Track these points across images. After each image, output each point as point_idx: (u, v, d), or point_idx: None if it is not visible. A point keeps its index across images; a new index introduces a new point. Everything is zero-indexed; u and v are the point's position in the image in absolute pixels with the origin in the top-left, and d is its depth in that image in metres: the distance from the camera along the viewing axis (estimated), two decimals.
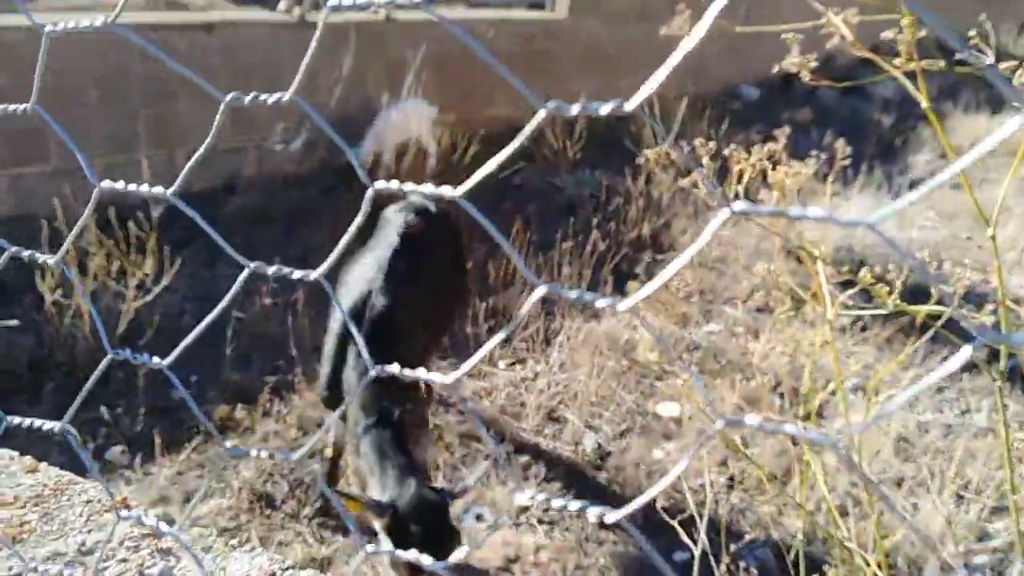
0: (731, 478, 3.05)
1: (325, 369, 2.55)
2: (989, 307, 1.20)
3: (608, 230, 4.96)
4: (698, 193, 1.23)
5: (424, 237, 2.83)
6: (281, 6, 5.35)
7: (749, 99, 8.78)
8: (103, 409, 3.10)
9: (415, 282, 2.65)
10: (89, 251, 3.55)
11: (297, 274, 0.65)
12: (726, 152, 1.32)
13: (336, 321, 2.56)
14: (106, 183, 0.70)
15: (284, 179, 5.20)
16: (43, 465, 1.33)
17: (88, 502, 1.25)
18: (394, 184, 0.55)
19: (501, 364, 3.70)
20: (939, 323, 1.35)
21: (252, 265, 0.66)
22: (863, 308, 1.36)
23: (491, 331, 3.89)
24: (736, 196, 1.48)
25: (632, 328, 3.81)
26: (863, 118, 8.01)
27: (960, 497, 2.92)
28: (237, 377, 3.41)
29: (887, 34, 1.14)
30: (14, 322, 3.15)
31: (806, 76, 1.22)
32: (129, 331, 3.42)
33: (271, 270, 0.66)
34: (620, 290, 4.19)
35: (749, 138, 6.75)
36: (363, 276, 2.60)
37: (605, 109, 0.45)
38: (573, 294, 0.48)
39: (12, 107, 0.71)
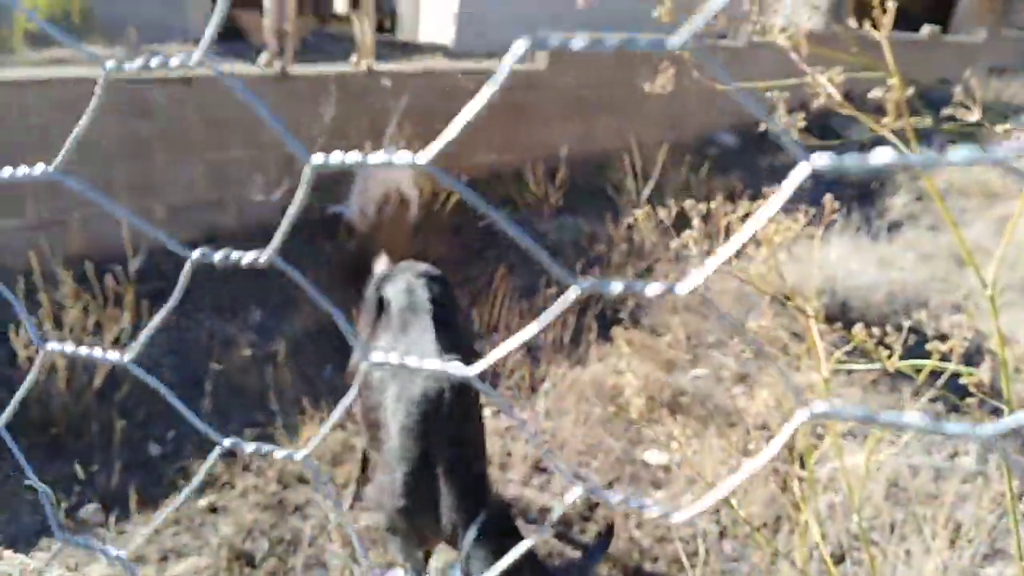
0: (722, 527, 2.99)
1: (397, 475, 2.16)
2: (985, 364, 1.18)
3: (591, 275, 4.96)
4: (690, 253, 1.22)
5: (445, 310, 2.67)
6: (261, 60, 5.38)
7: (726, 146, 8.90)
8: (77, 465, 3.01)
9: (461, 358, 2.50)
10: (64, 305, 3.49)
11: (249, 257, 0.62)
12: (712, 205, 1.31)
13: (400, 415, 2.21)
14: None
15: (265, 230, 5.16)
16: (8, 552, 1.27)
17: None
18: (335, 157, 0.51)
19: (487, 412, 3.65)
20: (939, 379, 1.33)
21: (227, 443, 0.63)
22: (855, 363, 1.34)
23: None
24: (708, 250, 1.48)
25: (617, 374, 3.77)
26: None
27: (952, 542, 2.88)
28: (216, 431, 3.33)
29: (875, 93, 1.14)
30: (52, 347, 3.06)
31: (794, 135, 1.22)
32: (105, 385, 3.34)
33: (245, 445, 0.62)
34: (604, 336, 4.17)
35: (729, 183, 6.83)
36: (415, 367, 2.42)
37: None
38: (617, 287, 0.44)
39: (28, 169, 0.68)
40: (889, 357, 1.22)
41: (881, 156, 0.36)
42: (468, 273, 4.97)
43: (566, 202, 6.13)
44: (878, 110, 1.21)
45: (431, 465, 2.13)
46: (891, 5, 1.16)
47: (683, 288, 0.41)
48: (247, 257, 0.60)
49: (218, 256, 0.60)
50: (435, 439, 2.14)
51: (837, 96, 1.15)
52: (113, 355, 0.63)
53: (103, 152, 4.60)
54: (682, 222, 1.69)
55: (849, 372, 3.99)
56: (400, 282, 2.72)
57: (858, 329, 1.21)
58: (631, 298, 4.80)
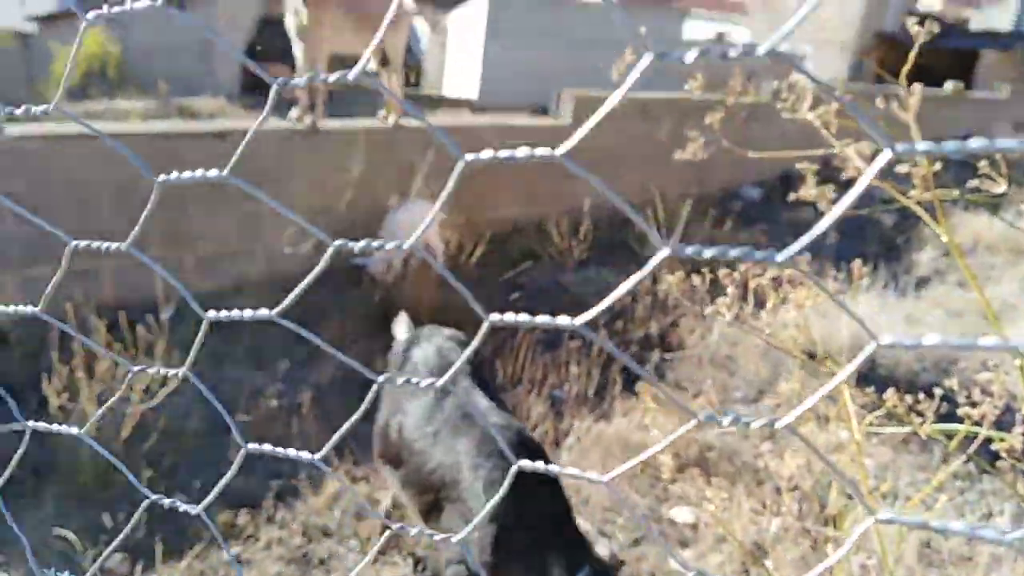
0: None
1: (487, 531, 2.08)
2: (1017, 429, 1.18)
3: (615, 329, 4.96)
4: (721, 317, 1.23)
5: (481, 372, 2.66)
6: (292, 114, 5.51)
7: (750, 199, 8.93)
8: (104, 515, 3.02)
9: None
10: (97, 354, 3.54)
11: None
12: (742, 269, 1.33)
13: (483, 470, 2.18)
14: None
15: (293, 281, 5.23)
16: None
17: None
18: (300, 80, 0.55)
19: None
20: (972, 445, 1.32)
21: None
22: (887, 427, 1.33)
23: None
24: (735, 311, 1.48)
25: (643, 429, 3.75)
26: (863, 218, 8.13)
27: None
28: (241, 481, 3.34)
29: (902, 168, 1.16)
30: (19, 425, 3.10)
31: (824, 206, 1.24)
32: (132, 435, 3.37)
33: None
34: (629, 390, 4.15)
35: (753, 237, 6.84)
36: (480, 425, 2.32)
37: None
38: (710, 250, 0.45)
39: (106, 244, 0.71)
40: (922, 424, 1.21)
41: (976, 142, 0.38)
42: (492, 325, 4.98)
43: (589, 255, 6.16)
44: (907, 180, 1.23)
45: (524, 519, 2.08)
46: (911, 62, 1.18)
47: (782, 256, 0.42)
48: (255, 314, 0.64)
49: (227, 313, 0.65)
50: (527, 493, 2.10)
51: (865, 168, 1.17)
52: (64, 427, 0.65)
53: (138, 203, 4.71)
54: (707, 278, 1.70)
55: (859, 443, 3.93)
56: (428, 347, 2.72)
57: (890, 395, 1.21)
58: (656, 352, 4.79)
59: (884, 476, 3.53)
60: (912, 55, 1.13)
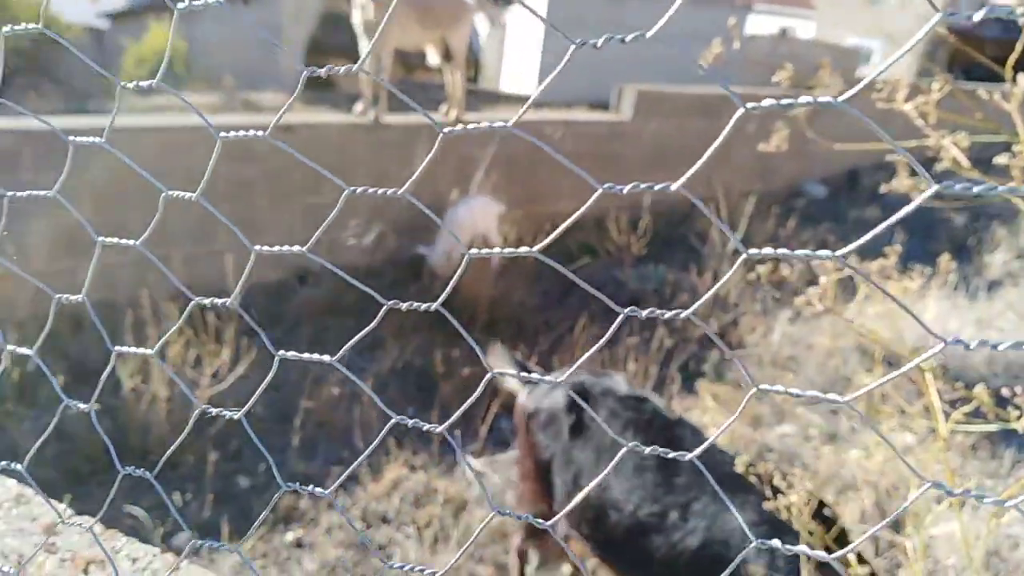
0: None
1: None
2: None
3: (674, 326, 4.91)
4: (812, 308, 1.21)
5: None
6: (356, 108, 5.60)
7: (815, 197, 8.74)
8: (175, 495, 3.13)
9: None
10: (168, 340, 3.67)
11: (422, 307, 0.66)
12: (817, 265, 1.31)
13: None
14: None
15: (354, 272, 5.33)
16: (184, 564, 1.32)
17: None
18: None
19: None
20: None
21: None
22: (975, 424, 1.30)
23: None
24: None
25: (703, 428, 3.71)
26: (934, 217, 7.88)
27: None
28: (303, 466, 3.42)
29: (1000, 159, 1.13)
30: (95, 406, 3.23)
31: (918, 198, 1.21)
32: (201, 419, 3.47)
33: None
34: (688, 388, 4.12)
35: (819, 235, 6.69)
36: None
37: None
38: (786, 251, 0.46)
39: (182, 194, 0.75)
40: (1019, 418, 1.18)
41: None
42: (548, 319, 5.00)
43: (648, 251, 6.12)
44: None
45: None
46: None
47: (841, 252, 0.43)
48: (315, 356, 0.66)
49: (295, 354, 0.67)
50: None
51: (964, 160, 1.14)
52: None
53: (210, 194, 4.84)
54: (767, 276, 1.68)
55: (945, 439, 3.82)
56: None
57: (979, 389, 1.18)
58: (715, 351, 4.74)
59: (953, 482, 3.43)
60: (1020, 46, 1.09)
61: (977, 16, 0.38)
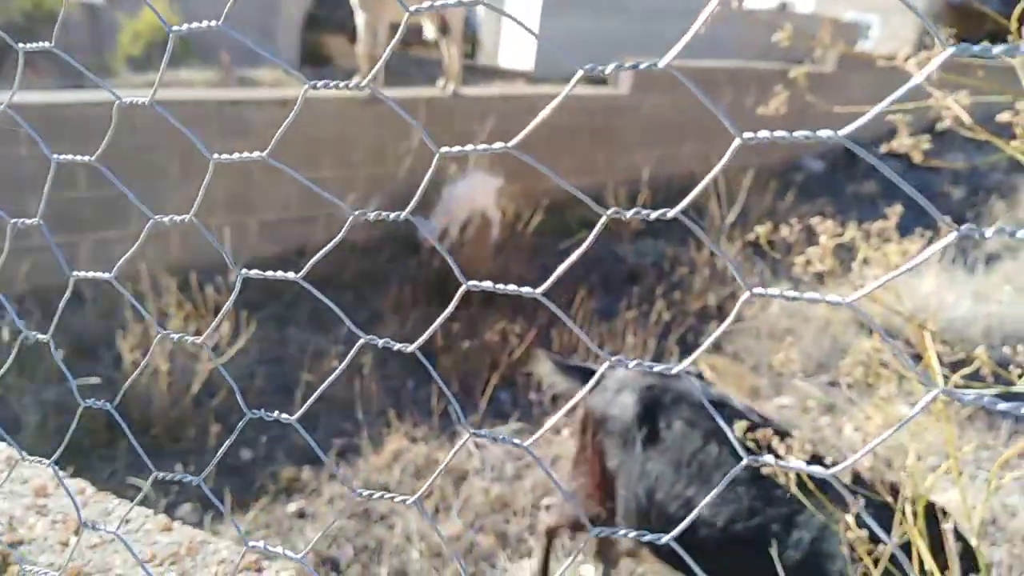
0: None
1: None
2: None
3: (672, 300, 4.93)
4: (812, 269, 1.22)
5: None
6: (352, 82, 5.57)
7: (813, 171, 8.74)
8: (177, 466, 3.16)
9: None
10: (168, 313, 3.67)
11: (397, 346, 0.67)
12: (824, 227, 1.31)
13: None
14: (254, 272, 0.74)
15: (352, 247, 5.33)
16: (176, 524, 1.36)
17: (221, 562, 1.27)
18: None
19: (566, 432, 3.66)
20: None
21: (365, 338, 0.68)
22: (975, 386, 1.31)
23: (555, 399, 3.87)
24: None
25: None
26: (931, 191, 7.89)
27: None
28: (304, 439, 3.44)
29: (1003, 116, 1.13)
30: (95, 379, 3.25)
31: (918, 157, 1.21)
32: (202, 391, 3.49)
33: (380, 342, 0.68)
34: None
35: (817, 210, 6.69)
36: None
37: None
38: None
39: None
40: (1020, 376, 1.19)
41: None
42: (547, 293, 5.00)
43: (647, 226, 6.12)
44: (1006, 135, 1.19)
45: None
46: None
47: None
48: (287, 275, 0.67)
49: (258, 272, 0.68)
50: None
51: (966, 117, 1.14)
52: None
53: (205, 168, 4.83)
54: (759, 250, 1.68)
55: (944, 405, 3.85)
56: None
57: (980, 351, 1.19)
58: (714, 323, 4.76)
59: (952, 448, 3.46)
60: None
61: None
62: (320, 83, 0.63)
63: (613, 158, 7.00)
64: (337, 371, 0.71)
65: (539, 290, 0.58)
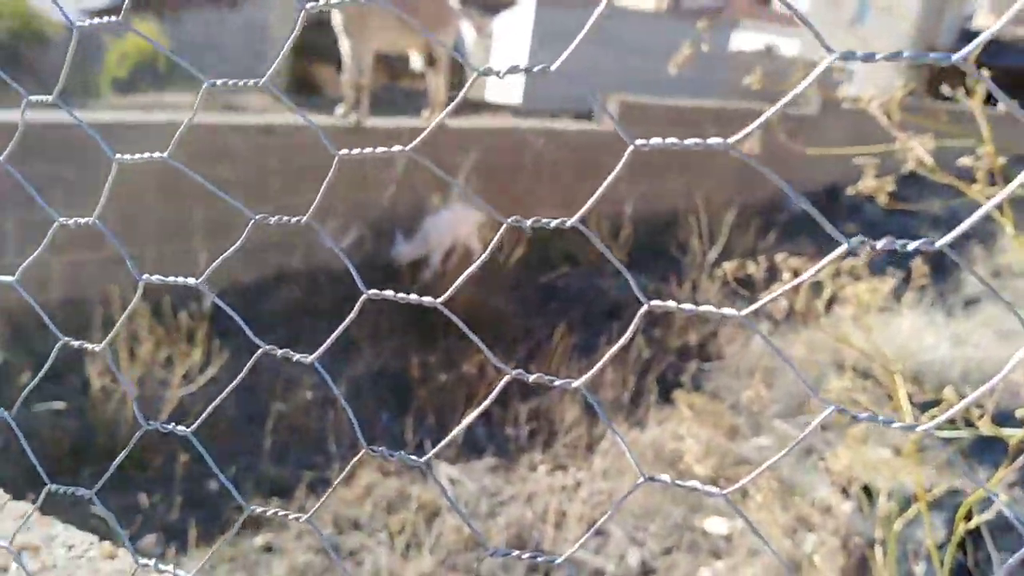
0: None
1: None
2: None
3: (652, 336, 4.91)
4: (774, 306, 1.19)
5: None
6: (338, 111, 5.56)
7: (795, 211, 8.80)
8: (141, 495, 3.06)
9: None
10: (139, 336, 3.59)
11: (297, 357, 0.63)
12: (793, 264, 1.29)
13: None
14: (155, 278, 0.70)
15: (330, 273, 5.28)
16: (121, 551, 1.29)
17: None
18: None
19: (542, 469, 3.60)
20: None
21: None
22: (949, 429, 1.28)
23: (532, 434, 3.81)
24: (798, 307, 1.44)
25: (678, 439, 3.70)
26: (910, 234, 7.96)
27: None
28: (274, 471, 3.36)
29: (964, 160, 1.12)
30: (60, 404, 3.17)
31: (883, 200, 1.20)
32: (170, 419, 3.41)
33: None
34: (666, 399, 4.10)
35: (798, 250, 6.73)
36: None
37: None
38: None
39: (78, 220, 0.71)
40: (980, 418, 1.17)
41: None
42: (527, 326, 4.97)
43: (629, 260, 6.12)
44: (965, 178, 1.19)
45: None
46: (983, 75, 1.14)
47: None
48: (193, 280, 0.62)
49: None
50: None
51: (928, 160, 1.13)
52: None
53: (183, 193, 4.78)
54: (748, 286, 1.66)
55: (920, 450, 3.83)
56: None
57: (949, 392, 1.17)
58: (694, 361, 4.73)
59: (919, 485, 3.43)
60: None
61: (957, 56, 0.36)
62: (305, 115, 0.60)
63: (597, 191, 7.01)
64: (231, 386, 0.67)
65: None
